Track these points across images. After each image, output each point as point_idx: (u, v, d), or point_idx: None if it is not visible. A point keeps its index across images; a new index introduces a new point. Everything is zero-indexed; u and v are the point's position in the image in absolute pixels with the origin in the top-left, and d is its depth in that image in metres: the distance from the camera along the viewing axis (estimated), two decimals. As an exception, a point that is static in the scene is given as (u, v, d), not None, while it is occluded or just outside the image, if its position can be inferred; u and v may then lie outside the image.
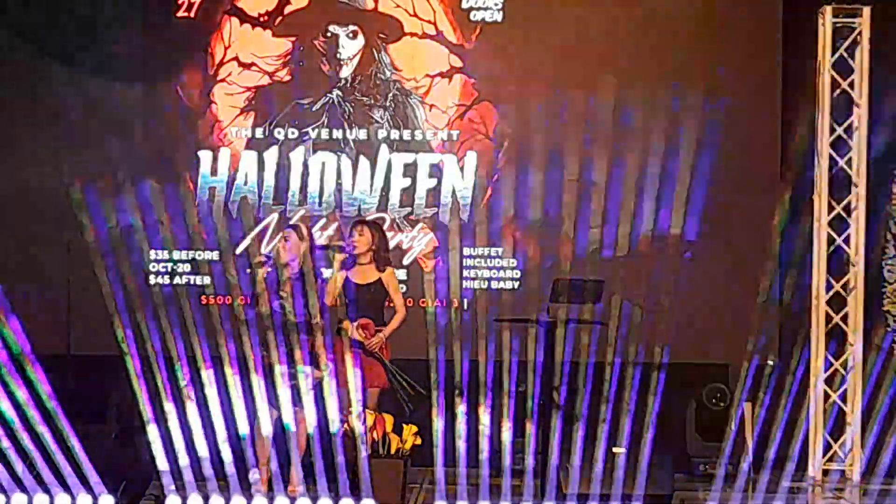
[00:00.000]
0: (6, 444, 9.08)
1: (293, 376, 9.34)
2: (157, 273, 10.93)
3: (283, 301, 9.39)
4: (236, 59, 10.98)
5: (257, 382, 9.39)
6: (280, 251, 9.43)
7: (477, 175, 10.93)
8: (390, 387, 9.59)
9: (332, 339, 9.69)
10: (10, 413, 9.42)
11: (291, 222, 10.33)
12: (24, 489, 8.69)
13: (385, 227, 10.67)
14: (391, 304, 9.76)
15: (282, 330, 9.36)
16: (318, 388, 9.41)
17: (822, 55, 10.35)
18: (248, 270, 9.61)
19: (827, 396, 10.43)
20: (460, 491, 9.76)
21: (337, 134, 10.97)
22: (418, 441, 9.36)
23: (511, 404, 10.66)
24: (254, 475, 9.31)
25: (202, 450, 9.79)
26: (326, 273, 10.16)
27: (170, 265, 10.92)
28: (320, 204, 10.95)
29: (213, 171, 10.96)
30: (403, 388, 9.53)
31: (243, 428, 9.50)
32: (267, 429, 9.36)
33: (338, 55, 10.98)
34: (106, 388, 10.50)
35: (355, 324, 9.56)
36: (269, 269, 9.41)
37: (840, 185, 10.54)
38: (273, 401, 9.37)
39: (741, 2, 10.80)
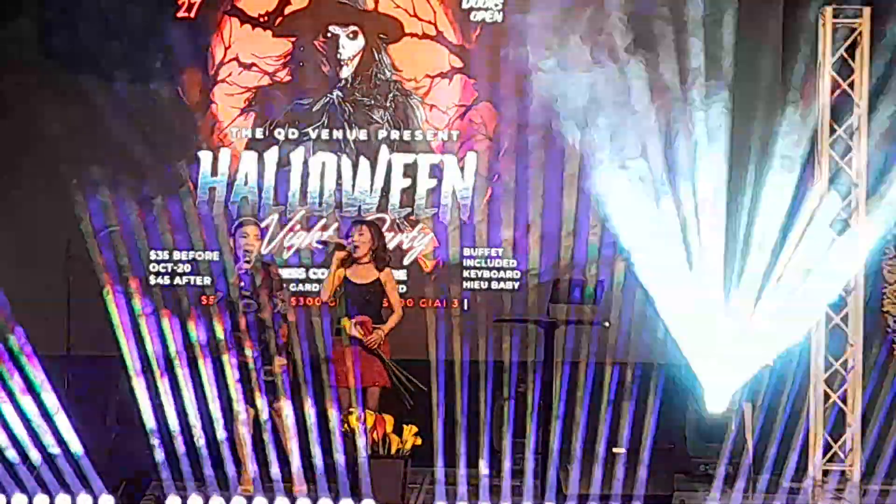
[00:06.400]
0: (6, 443, 9.09)
1: (268, 372, 9.39)
2: (157, 273, 10.93)
3: (247, 299, 9.44)
4: (236, 59, 10.97)
5: (256, 381, 9.42)
6: (252, 247, 9.51)
7: (477, 175, 10.93)
8: (391, 384, 9.59)
9: (332, 339, 9.71)
10: (10, 413, 9.44)
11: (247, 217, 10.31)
12: (24, 489, 8.69)
13: (385, 227, 10.66)
14: (388, 305, 9.78)
15: (251, 327, 9.42)
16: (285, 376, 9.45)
17: (822, 55, 10.36)
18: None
19: (827, 396, 10.44)
20: (460, 491, 9.76)
21: (337, 134, 10.97)
22: (418, 441, 9.37)
23: (511, 404, 10.67)
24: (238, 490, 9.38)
25: (201, 449, 9.84)
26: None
27: (170, 265, 10.92)
28: (320, 204, 10.94)
29: (213, 171, 10.96)
30: (403, 385, 9.53)
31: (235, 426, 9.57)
32: (246, 427, 9.40)
33: (338, 55, 10.98)
34: (106, 388, 10.50)
35: (353, 321, 9.56)
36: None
37: (840, 184, 10.55)
38: (251, 398, 9.42)
39: (741, 2, 10.78)
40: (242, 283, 9.43)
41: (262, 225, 10.77)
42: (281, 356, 9.42)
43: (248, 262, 9.45)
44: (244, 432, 9.40)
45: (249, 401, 9.44)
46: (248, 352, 9.41)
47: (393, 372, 9.55)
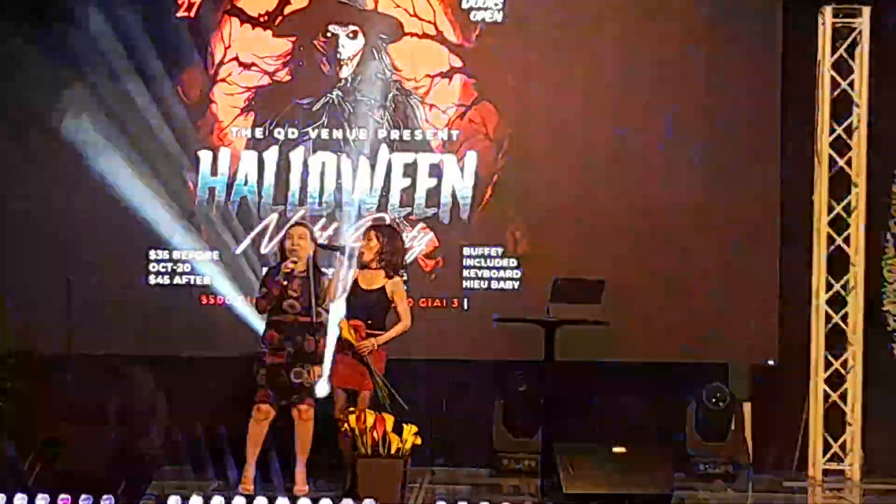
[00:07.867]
0: (7, 445, 9.09)
1: (298, 374, 9.35)
2: (157, 273, 10.92)
3: (292, 300, 9.39)
4: (236, 59, 10.97)
5: (258, 381, 9.41)
6: (298, 248, 9.43)
7: (477, 175, 10.92)
8: (374, 394, 9.45)
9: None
10: (11, 412, 9.45)
11: (295, 220, 10.34)
12: (24, 489, 8.68)
13: (384, 227, 10.62)
14: (395, 310, 9.64)
15: (287, 328, 9.37)
16: (317, 385, 9.43)
17: (822, 55, 10.39)
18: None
19: (827, 396, 10.45)
20: (460, 491, 9.77)
21: (337, 134, 10.96)
22: (418, 441, 9.34)
23: (511, 404, 10.67)
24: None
25: (202, 450, 9.84)
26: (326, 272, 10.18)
27: (170, 265, 10.92)
28: (320, 204, 10.94)
29: (213, 171, 10.96)
30: (385, 397, 9.38)
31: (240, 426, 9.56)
32: (260, 427, 9.38)
33: (338, 55, 10.98)
34: (106, 388, 10.49)
35: (349, 323, 9.44)
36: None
37: (840, 185, 10.56)
38: (273, 398, 9.39)
39: (741, 2, 10.78)
40: (286, 283, 9.37)
41: (261, 225, 10.80)
42: (318, 362, 9.37)
43: (294, 261, 9.39)
44: (258, 433, 9.36)
45: (267, 400, 9.39)
46: (277, 352, 9.36)
47: (376, 384, 9.39)
